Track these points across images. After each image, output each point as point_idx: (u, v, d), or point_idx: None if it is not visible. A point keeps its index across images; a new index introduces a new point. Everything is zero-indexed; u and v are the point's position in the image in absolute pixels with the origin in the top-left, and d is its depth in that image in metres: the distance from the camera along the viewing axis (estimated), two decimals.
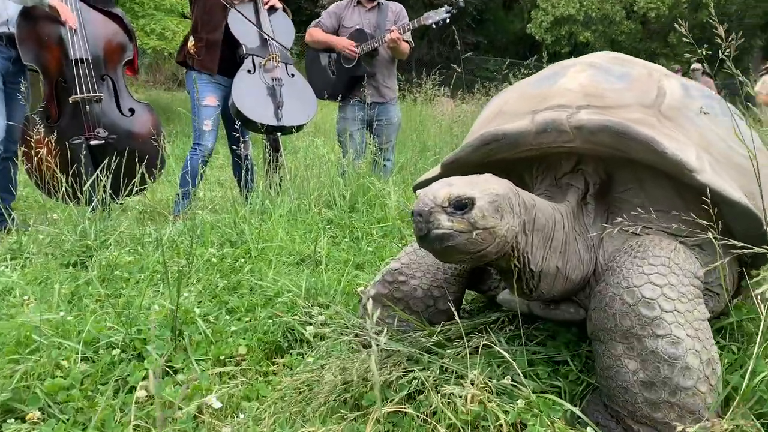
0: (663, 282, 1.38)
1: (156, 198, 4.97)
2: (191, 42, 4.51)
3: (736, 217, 1.50)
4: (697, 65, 11.29)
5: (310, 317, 2.08)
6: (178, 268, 2.65)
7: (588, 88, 1.64)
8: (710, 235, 1.42)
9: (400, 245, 3.29)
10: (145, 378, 1.74)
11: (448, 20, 4.97)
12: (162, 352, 1.87)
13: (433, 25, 5.01)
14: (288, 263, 2.95)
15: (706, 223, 1.43)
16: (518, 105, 1.74)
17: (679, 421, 1.31)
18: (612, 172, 1.67)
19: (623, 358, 1.37)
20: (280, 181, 4.57)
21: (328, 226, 3.66)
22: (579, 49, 19.20)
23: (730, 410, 1.35)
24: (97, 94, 4.12)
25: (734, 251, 1.44)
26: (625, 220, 1.54)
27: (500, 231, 1.36)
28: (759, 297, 1.51)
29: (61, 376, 1.69)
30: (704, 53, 1.56)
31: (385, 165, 5.09)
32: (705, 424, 1.30)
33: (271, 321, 2.11)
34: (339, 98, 5.09)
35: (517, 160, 1.72)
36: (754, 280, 1.63)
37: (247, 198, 4.16)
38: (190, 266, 2.77)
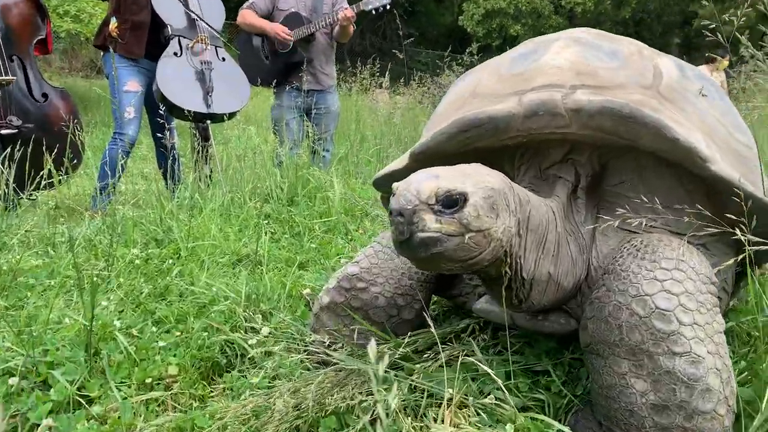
0: (679, 290, 1.19)
1: (71, 193, 4.51)
2: (113, 23, 4.09)
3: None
4: None
5: (253, 329, 1.82)
6: (93, 272, 2.31)
7: (578, 66, 1.43)
8: (738, 232, 1.25)
9: (345, 241, 3.05)
10: (51, 413, 1.43)
11: (388, 6, 4.75)
12: (73, 378, 1.55)
13: (373, 11, 4.78)
14: (222, 264, 2.66)
15: (735, 218, 1.26)
16: (496, 86, 1.52)
17: None
18: (605, 162, 1.48)
19: (629, 377, 1.19)
20: (210, 173, 4.23)
21: (266, 222, 3.37)
22: (509, 42, 19.40)
23: None
24: (9, 77, 3.64)
25: (756, 248, 1.27)
26: (627, 212, 1.35)
27: (496, 233, 1.14)
28: None
29: None
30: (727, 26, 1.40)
31: (324, 156, 4.83)
32: None
33: (206, 334, 1.83)
34: (274, 85, 4.80)
35: (498, 148, 1.50)
36: None
37: (173, 192, 3.80)
38: (109, 269, 2.43)
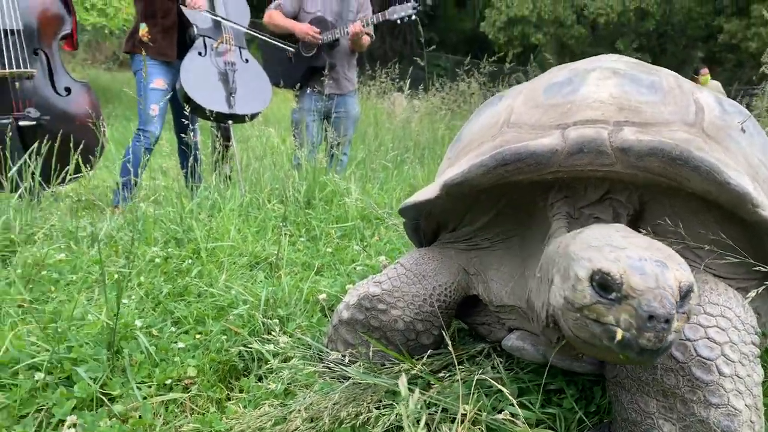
0: (723, 339, 1.17)
1: (91, 185, 4.57)
2: (143, 29, 4.18)
3: None
4: None
5: (270, 334, 1.85)
6: (118, 271, 2.36)
7: (621, 100, 1.39)
8: None
9: (361, 248, 3.08)
10: (75, 409, 1.47)
11: (413, 16, 4.80)
12: (96, 376, 1.59)
13: (398, 21, 4.82)
14: (240, 266, 2.70)
15: None
16: (533, 115, 1.48)
17: None
18: (645, 202, 1.44)
19: (656, 417, 1.19)
20: (231, 171, 4.28)
21: (283, 224, 3.41)
22: (529, 51, 19.36)
23: None
24: (29, 69, 3.72)
25: None
26: (674, 240, 1.32)
27: None
28: None
29: None
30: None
31: (341, 160, 4.87)
32: None
33: (224, 337, 1.86)
34: (296, 87, 4.84)
35: (533, 182, 1.46)
36: None
37: (193, 190, 3.86)
38: (130, 267, 2.48)
